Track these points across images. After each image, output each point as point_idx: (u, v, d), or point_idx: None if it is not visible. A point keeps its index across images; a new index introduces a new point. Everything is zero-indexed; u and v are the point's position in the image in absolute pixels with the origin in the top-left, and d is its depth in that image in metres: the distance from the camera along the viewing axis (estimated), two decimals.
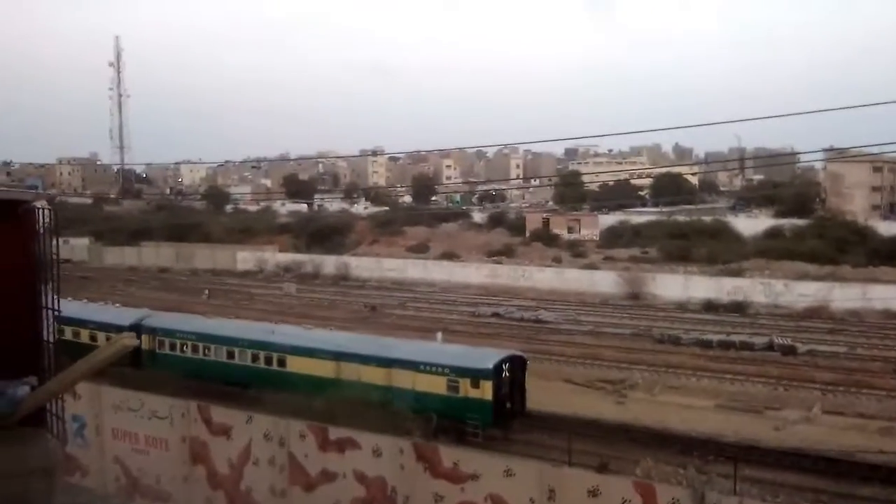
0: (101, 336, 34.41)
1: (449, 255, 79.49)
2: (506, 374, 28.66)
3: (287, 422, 16.78)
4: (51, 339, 8.90)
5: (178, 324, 36.86)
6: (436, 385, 28.29)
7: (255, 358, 32.82)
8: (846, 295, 51.02)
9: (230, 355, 33.48)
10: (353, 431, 16.08)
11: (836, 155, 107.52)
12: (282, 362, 32.01)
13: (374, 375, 29.37)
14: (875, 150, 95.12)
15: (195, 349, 34.29)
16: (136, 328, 35.04)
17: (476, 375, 27.89)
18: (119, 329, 34.44)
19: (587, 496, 13.44)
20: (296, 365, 31.42)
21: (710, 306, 52.77)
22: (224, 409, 18.04)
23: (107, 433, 19.04)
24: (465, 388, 27.98)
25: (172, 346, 34.91)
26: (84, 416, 19.09)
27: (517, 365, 29.44)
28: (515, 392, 28.99)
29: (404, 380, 28.76)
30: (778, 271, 62.25)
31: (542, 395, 32.88)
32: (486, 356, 29.72)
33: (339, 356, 30.76)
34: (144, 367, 33.06)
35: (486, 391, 27.75)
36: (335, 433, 15.96)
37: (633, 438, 26.94)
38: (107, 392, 19.17)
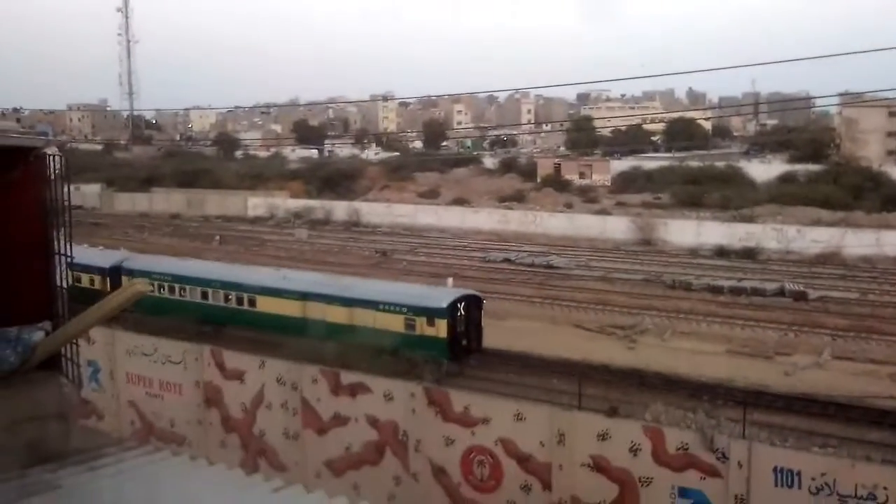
0: (84, 277, 35.43)
1: (460, 201, 79.30)
2: (461, 313, 29.46)
3: (300, 366, 16.91)
4: (64, 285, 8.95)
5: (156, 266, 37.81)
6: (394, 323, 29.24)
7: (227, 298, 33.90)
8: (859, 241, 50.79)
9: (204, 295, 34.44)
10: (364, 376, 16.20)
11: (852, 100, 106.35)
12: (252, 302, 33.15)
13: (337, 315, 30.52)
14: (891, 94, 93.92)
15: (171, 290, 35.06)
16: (116, 270, 36.39)
17: (431, 314, 28.88)
18: (100, 271, 36.47)
19: (597, 439, 13.55)
20: (265, 305, 32.55)
21: (721, 252, 52.63)
22: (237, 354, 18.17)
23: (121, 378, 19.25)
24: (422, 327, 29.01)
25: (151, 286, 35.40)
26: (98, 361, 19.30)
27: (473, 304, 30.28)
28: (472, 330, 29.87)
29: (365, 318, 29.69)
30: (791, 217, 61.89)
31: (552, 340, 33.07)
32: (442, 296, 30.61)
33: (305, 296, 31.81)
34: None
35: (441, 329, 28.77)
36: (347, 378, 16.08)
37: (643, 383, 27.10)
38: (120, 337, 19.33)
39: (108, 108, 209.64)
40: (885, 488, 11.44)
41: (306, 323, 31.04)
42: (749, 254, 51.58)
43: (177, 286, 35.09)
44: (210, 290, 34.41)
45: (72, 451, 8.56)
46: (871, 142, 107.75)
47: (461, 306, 29.62)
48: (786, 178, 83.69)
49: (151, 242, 61.63)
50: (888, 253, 49.40)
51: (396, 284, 36.30)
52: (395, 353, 28.08)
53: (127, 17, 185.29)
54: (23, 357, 8.26)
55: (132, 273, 35.77)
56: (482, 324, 30.50)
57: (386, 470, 15.54)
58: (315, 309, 31.31)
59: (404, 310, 29.39)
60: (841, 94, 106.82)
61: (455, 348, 28.90)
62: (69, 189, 8.70)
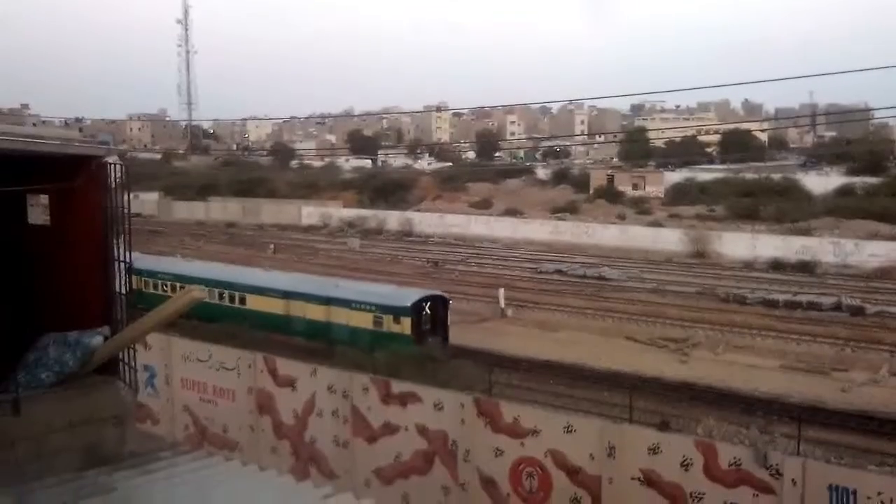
0: None
1: (512, 212, 79.25)
2: (426, 311, 31.54)
3: (350, 375, 17.02)
4: (123, 291, 9.13)
5: (159, 265, 39.79)
6: (365, 321, 31.45)
7: (220, 296, 35.68)
8: None
9: None
10: (414, 385, 16.25)
11: None
12: (242, 300, 35.28)
13: (316, 312, 32.82)
14: None
15: (172, 288, 36.24)
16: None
17: (397, 312, 31.04)
18: None
19: (648, 454, 13.43)
20: (254, 303, 34.72)
21: (777, 265, 51.88)
22: (289, 362, 18.35)
23: (176, 383, 19.54)
24: (389, 324, 31.09)
25: (154, 286, 37.23)
26: (155, 366, 19.60)
27: (439, 303, 32.32)
28: (437, 328, 31.66)
29: (340, 316, 31.98)
30: (848, 230, 60.84)
31: (603, 351, 32.87)
32: (408, 295, 32.88)
33: (288, 295, 34.00)
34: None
35: (406, 326, 30.82)
36: (397, 387, 16.15)
37: (694, 397, 26.81)
38: (176, 343, 19.63)
39: (168, 118, 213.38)
40: None
41: (290, 320, 33.56)
42: (805, 267, 50.77)
43: (178, 285, 36.31)
44: (207, 289, 35.63)
45: (127, 455, 8.71)
46: None
47: (426, 305, 31.74)
48: (843, 191, 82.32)
49: (207, 250, 62.46)
50: None
51: (370, 284, 38.43)
52: (367, 348, 29.54)
53: (186, 29, 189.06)
54: (82, 361, 8.45)
55: (140, 273, 36.97)
56: (448, 322, 32.31)
57: (435, 479, 15.56)
58: (297, 307, 33.55)
59: (373, 308, 31.49)
60: None
61: (420, 345, 30.25)
62: (129, 197, 8.88)
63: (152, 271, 37.89)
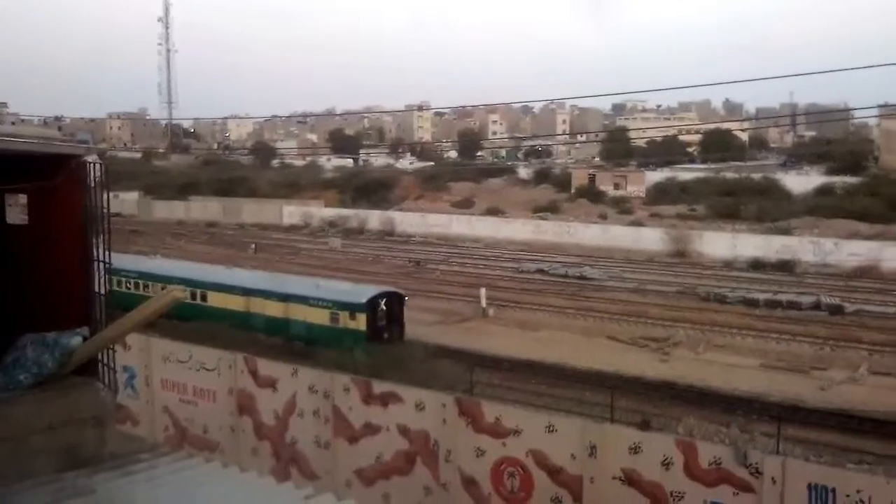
0: None
1: (494, 211, 79.33)
2: (382, 307, 32.13)
3: (332, 375, 16.98)
4: (102, 291, 9.07)
5: (121, 262, 39.42)
6: (321, 317, 32.05)
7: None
8: None
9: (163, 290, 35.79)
10: (396, 385, 16.23)
11: (891, 111, 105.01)
12: (204, 297, 35.49)
13: (275, 309, 33.38)
14: None
15: (137, 286, 36.81)
16: None
17: (353, 308, 31.55)
18: None
19: (629, 453, 13.46)
20: (215, 300, 35.01)
21: (757, 265, 52.19)
22: (270, 362, 18.28)
23: (156, 383, 19.42)
24: (345, 320, 31.63)
25: (119, 283, 36.84)
26: (134, 367, 19.48)
27: (394, 300, 33.06)
28: (393, 324, 32.28)
29: (298, 312, 32.63)
30: (828, 230, 61.26)
31: (584, 351, 32.95)
32: (363, 291, 33.45)
33: (248, 292, 34.57)
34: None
35: (361, 322, 31.37)
36: (379, 387, 16.12)
37: (675, 396, 26.93)
38: (156, 343, 19.53)
39: (148, 117, 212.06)
40: None
41: (250, 316, 34.08)
42: (785, 266, 51.10)
43: (141, 282, 36.96)
44: (168, 287, 35.81)
45: (107, 456, 8.65)
46: None
47: (382, 302, 32.31)
48: (823, 191, 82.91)
49: (188, 250, 62.19)
50: None
51: (327, 281, 38.95)
52: (324, 344, 30.37)
53: (167, 28, 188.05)
54: (60, 362, 8.38)
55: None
56: (404, 318, 33.02)
57: (416, 480, 15.54)
58: (257, 304, 34.03)
59: (329, 304, 32.08)
60: (880, 106, 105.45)
61: (375, 340, 30.95)
62: (108, 196, 8.82)
63: (115, 269, 37.84)
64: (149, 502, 7.70)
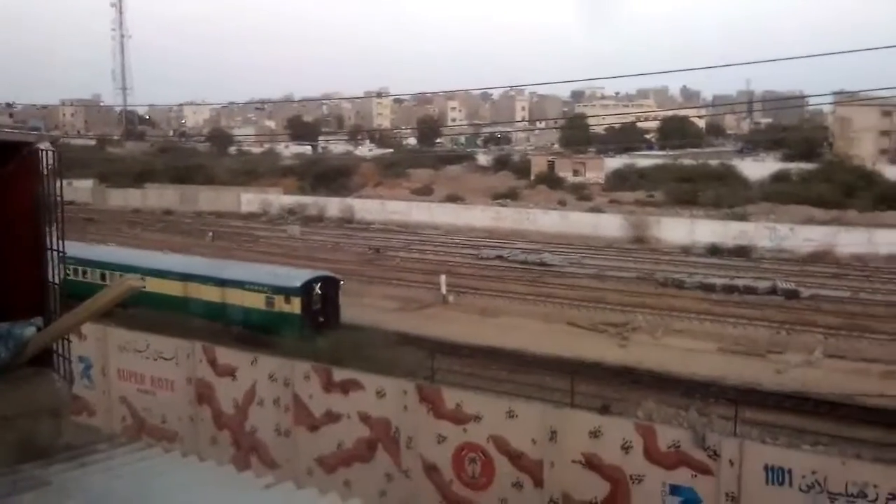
0: None
1: (453, 198, 79.30)
2: (317, 292, 32.47)
3: (292, 363, 16.88)
4: (56, 281, 8.94)
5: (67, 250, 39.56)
6: (257, 301, 32.48)
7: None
8: (851, 239, 50.92)
9: (103, 277, 36.20)
10: (356, 373, 16.18)
11: (845, 99, 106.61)
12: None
13: (212, 294, 33.66)
14: (884, 93, 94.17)
15: (76, 272, 36.43)
16: None
17: (287, 293, 31.99)
18: None
19: (589, 437, 13.54)
20: (154, 285, 34.19)
21: (714, 250, 52.73)
22: (229, 351, 18.13)
23: (113, 373, 19.19)
24: (280, 304, 32.12)
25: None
26: (90, 357, 19.23)
27: (330, 284, 33.40)
28: (328, 308, 32.62)
29: (234, 297, 33.04)
30: (784, 215, 62.04)
31: (544, 336, 33.11)
32: (298, 276, 33.86)
33: (186, 277, 34.83)
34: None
35: (296, 306, 31.82)
36: (339, 374, 16.06)
37: (635, 381, 27.16)
38: (112, 333, 19.28)
39: (102, 104, 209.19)
40: (875, 486, 11.46)
41: (188, 301, 34.19)
42: (742, 252, 51.69)
43: (80, 269, 36.75)
44: (108, 273, 36.18)
45: (62, 447, 8.54)
46: (864, 140, 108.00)
47: (317, 286, 32.61)
48: (779, 177, 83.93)
49: (144, 238, 61.48)
50: (880, 251, 49.56)
51: (263, 266, 39.85)
52: (261, 328, 30.85)
53: (121, 12, 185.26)
54: (14, 353, 8.25)
55: None
56: (339, 302, 33.41)
57: (377, 467, 15.53)
58: (194, 289, 34.29)
59: (265, 289, 32.53)
60: (835, 93, 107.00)
61: (310, 324, 31.23)
62: (62, 184, 8.68)
63: None
64: (106, 493, 7.60)
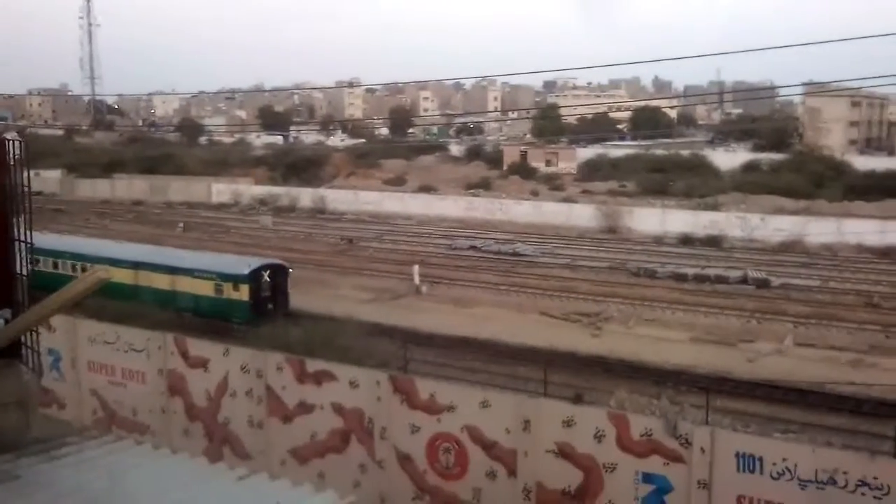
0: None
1: (426, 188, 79.22)
2: (266, 279, 33.16)
3: (264, 354, 16.80)
4: (24, 273, 8.82)
5: None
6: (206, 288, 33.08)
7: (73, 268, 36.39)
8: (821, 229, 51.39)
9: (55, 266, 36.67)
10: (330, 364, 16.13)
11: (815, 89, 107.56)
12: None
13: (162, 281, 34.08)
14: (853, 84, 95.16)
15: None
16: None
17: (236, 280, 32.61)
18: None
19: (562, 426, 13.59)
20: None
21: (686, 240, 53.04)
22: (201, 342, 18.02)
23: (83, 366, 19.01)
24: (228, 291, 32.78)
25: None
26: (59, 349, 19.04)
27: (279, 272, 34.05)
28: (278, 295, 33.33)
29: (184, 284, 33.57)
30: (754, 205, 62.51)
31: (518, 326, 33.16)
32: (246, 263, 34.47)
33: (136, 265, 35.07)
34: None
35: (244, 293, 32.42)
36: (312, 365, 16.00)
37: (607, 370, 27.27)
38: (82, 324, 19.09)
39: (70, 93, 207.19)
40: (844, 473, 11.58)
41: (138, 289, 34.30)
42: (713, 242, 52.04)
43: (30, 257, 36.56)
44: (60, 262, 36.59)
45: (32, 441, 8.45)
46: (833, 131, 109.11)
47: (266, 273, 33.28)
48: (749, 167, 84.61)
49: (113, 229, 60.91)
50: (849, 241, 50.07)
51: (212, 254, 40.62)
52: (210, 315, 31.39)
53: (89, 1, 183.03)
54: None
55: None
56: (288, 290, 34.05)
57: (351, 458, 15.50)
58: (144, 277, 34.52)
59: (214, 276, 33.10)
60: (804, 84, 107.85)
61: (258, 311, 31.96)
62: (29, 175, 8.57)
63: None
64: (76, 487, 7.53)
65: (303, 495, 8.23)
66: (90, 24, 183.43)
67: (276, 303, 33.13)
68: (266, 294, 32.92)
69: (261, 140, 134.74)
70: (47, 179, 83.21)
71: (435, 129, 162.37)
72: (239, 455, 16.45)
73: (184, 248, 44.16)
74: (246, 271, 32.95)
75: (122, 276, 34.38)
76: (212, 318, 31.44)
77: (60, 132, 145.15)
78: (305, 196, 74.60)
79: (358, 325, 29.93)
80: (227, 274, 33.00)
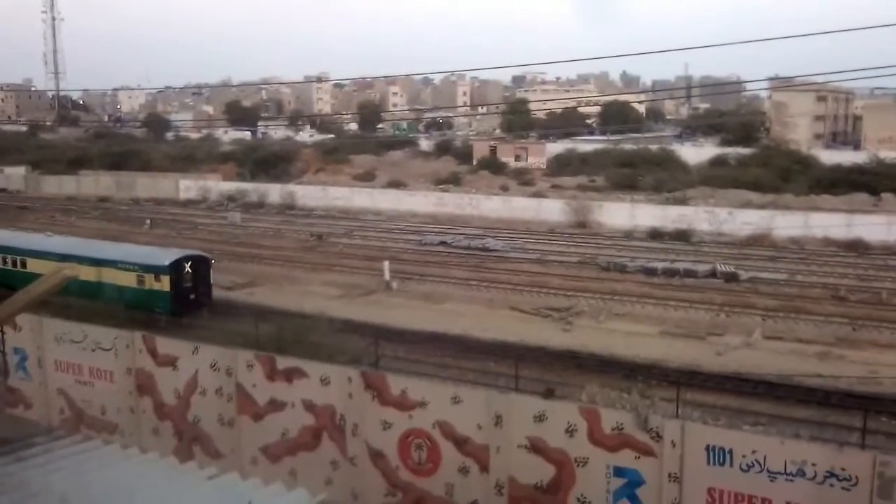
0: None
1: (396, 184, 79.08)
2: (188, 270, 33.70)
3: (234, 352, 16.70)
4: None
5: None
6: (130, 280, 33.60)
7: (4, 261, 37.45)
8: (788, 223, 51.83)
9: None
10: (300, 361, 16.06)
11: (781, 84, 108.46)
12: (24, 264, 36.67)
13: (89, 273, 33.89)
14: (819, 79, 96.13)
15: None
16: None
17: (157, 271, 33.14)
18: None
19: (533, 421, 13.62)
20: (34, 266, 35.39)
21: (655, 234, 53.30)
22: (169, 340, 17.89)
23: (49, 365, 18.81)
24: (150, 282, 33.29)
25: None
26: (26, 349, 18.82)
27: (201, 263, 34.64)
28: (200, 286, 34.00)
29: (109, 276, 33.98)
30: (722, 199, 62.96)
31: (488, 322, 33.18)
32: (168, 255, 34.92)
33: (64, 258, 34.70)
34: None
35: (165, 284, 32.93)
36: (283, 363, 15.93)
37: (578, 364, 27.36)
38: (48, 324, 18.88)
39: (33, 88, 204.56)
40: (813, 464, 11.71)
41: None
42: (682, 236, 52.35)
43: None
44: None
45: None
46: (799, 125, 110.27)
47: (187, 265, 33.82)
48: (717, 161, 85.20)
49: (80, 226, 60.25)
50: (816, 234, 50.51)
51: (135, 246, 40.99)
52: (134, 306, 31.78)
53: None
54: None
55: None
56: (211, 281, 34.88)
57: (323, 455, 15.45)
58: (71, 269, 33.95)
59: (137, 268, 33.66)
60: (771, 79, 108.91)
61: (180, 301, 32.78)
62: None
63: None
64: (44, 487, 7.42)
65: (274, 494, 8.19)
66: (53, 19, 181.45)
67: (199, 294, 33.85)
68: (188, 285, 33.50)
69: (228, 136, 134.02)
70: (11, 176, 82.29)
71: (404, 125, 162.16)
72: (209, 454, 16.36)
73: (106, 240, 45.13)
74: (167, 262, 33.49)
75: (51, 269, 34.49)
76: (135, 309, 31.74)
77: (24, 128, 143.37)
78: (274, 192, 74.20)
79: (328, 321, 29.81)
80: (148, 265, 33.59)
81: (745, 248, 49.42)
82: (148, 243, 45.38)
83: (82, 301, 30.88)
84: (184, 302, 33.01)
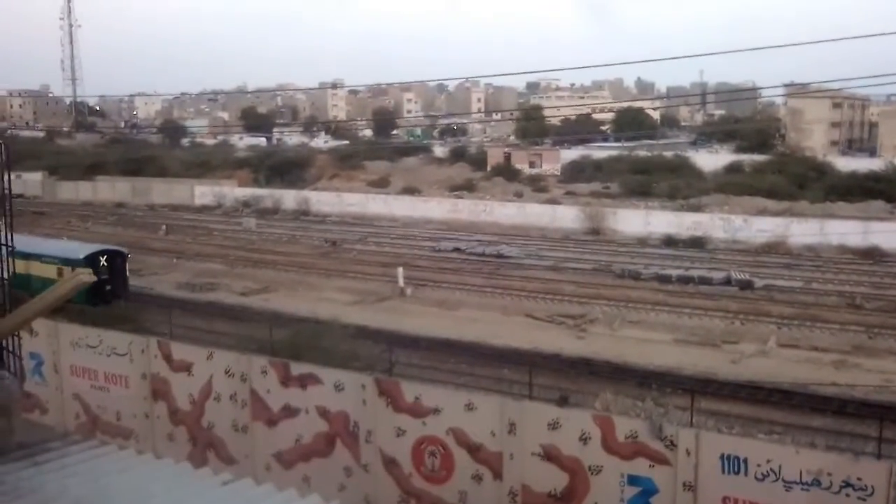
0: None
1: (410, 190, 79.08)
2: (103, 263, 36.02)
3: (249, 357, 16.72)
4: (5, 276, 8.74)
5: None
6: (51, 272, 34.49)
7: None
8: (803, 230, 51.62)
9: None
10: (314, 367, 16.07)
11: (797, 90, 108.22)
12: None
13: (20, 266, 34.38)
14: (835, 85, 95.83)
15: None
16: None
17: (74, 264, 34.51)
18: None
19: (547, 429, 13.58)
20: None
21: (669, 241, 53.14)
22: (184, 346, 17.93)
23: (65, 370, 18.87)
24: (67, 275, 33.75)
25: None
26: (41, 354, 18.90)
27: (116, 257, 37.34)
28: (116, 279, 36.40)
29: (35, 269, 34.76)
30: (737, 206, 62.70)
31: (502, 329, 33.15)
32: (84, 248, 37.81)
33: None
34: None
35: None
36: (297, 369, 15.94)
37: (592, 372, 27.30)
38: (64, 328, 18.96)
39: (51, 94, 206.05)
40: (829, 474, 11.62)
41: None
42: (696, 243, 52.17)
43: None
44: None
45: (14, 446, 8.37)
46: (815, 132, 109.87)
47: (103, 258, 36.39)
48: (732, 168, 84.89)
49: (96, 232, 60.54)
50: (832, 241, 50.27)
51: (58, 240, 43.55)
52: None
53: (69, 1, 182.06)
54: None
55: None
56: (127, 274, 37.47)
57: (336, 461, 15.44)
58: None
59: (56, 260, 35.57)
60: (786, 85, 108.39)
61: (97, 293, 33.29)
62: (10, 177, 8.49)
63: None
64: (59, 492, 7.46)
65: (287, 500, 8.19)
66: (71, 25, 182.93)
67: (115, 286, 36.07)
68: (103, 277, 34.97)
69: (244, 142, 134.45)
70: (28, 182, 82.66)
71: (419, 131, 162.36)
72: (223, 460, 16.37)
73: (32, 235, 45.13)
74: (82, 256, 35.97)
75: None
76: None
77: (41, 134, 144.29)
78: (289, 198, 74.36)
79: (342, 327, 29.86)
80: (66, 258, 35.69)
81: (761, 255, 49.20)
82: (164, 249, 45.59)
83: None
84: (99, 293, 34.17)
